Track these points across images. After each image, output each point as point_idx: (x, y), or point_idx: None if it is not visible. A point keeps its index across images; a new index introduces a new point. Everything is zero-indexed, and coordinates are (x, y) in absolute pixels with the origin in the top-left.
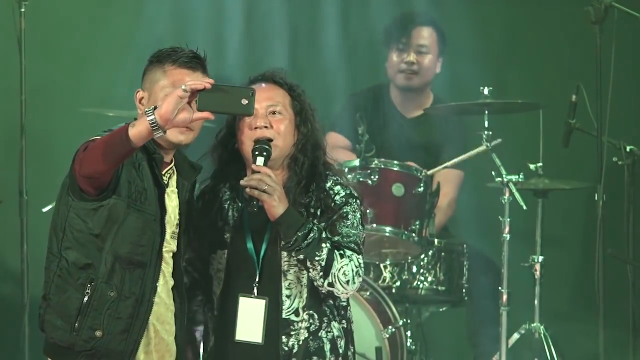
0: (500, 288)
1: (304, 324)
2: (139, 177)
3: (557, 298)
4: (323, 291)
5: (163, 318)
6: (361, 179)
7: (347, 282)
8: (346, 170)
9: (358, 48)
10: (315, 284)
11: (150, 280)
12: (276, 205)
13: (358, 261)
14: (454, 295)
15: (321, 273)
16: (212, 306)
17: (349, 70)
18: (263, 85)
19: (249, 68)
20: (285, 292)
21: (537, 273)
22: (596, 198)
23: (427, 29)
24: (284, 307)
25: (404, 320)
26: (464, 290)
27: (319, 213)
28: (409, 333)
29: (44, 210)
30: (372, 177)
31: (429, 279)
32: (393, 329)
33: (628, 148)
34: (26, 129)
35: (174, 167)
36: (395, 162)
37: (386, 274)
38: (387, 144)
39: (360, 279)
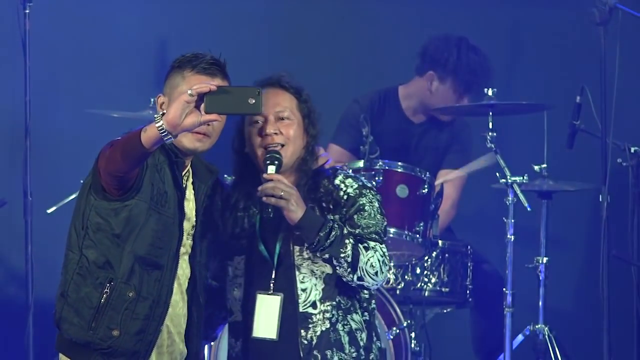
0: (504, 289)
1: (324, 316)
2: (160, 180)
3: (561, 299)
4: (353, 285)
5: (177, 321)
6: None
7: (376, 273)
8: (350, 171)
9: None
10: (344, 279)
11: (167, 282)
12: (294, 210)
13: (382, 251)
14: (458, 297)
15: (349, 269)
16: (230, 310)
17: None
18: (269, 90)
19: (253, 70)
20: (300, 285)
21: (542, 274)
22: (600, 199)
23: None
24: (300, 300)
25: (408, 321)
26: (468, 292)
27: (331, 207)
28: (413, 334)
29: (49, 211)
30: (377, 178)
31: (433, 280)
32: (397, 331)
33: (632, 149)
34: (31, 130)
35: (190, 169)
36: (400, 163)
37: (390, 276)
38: (392, 146)
39: (388, 268)
